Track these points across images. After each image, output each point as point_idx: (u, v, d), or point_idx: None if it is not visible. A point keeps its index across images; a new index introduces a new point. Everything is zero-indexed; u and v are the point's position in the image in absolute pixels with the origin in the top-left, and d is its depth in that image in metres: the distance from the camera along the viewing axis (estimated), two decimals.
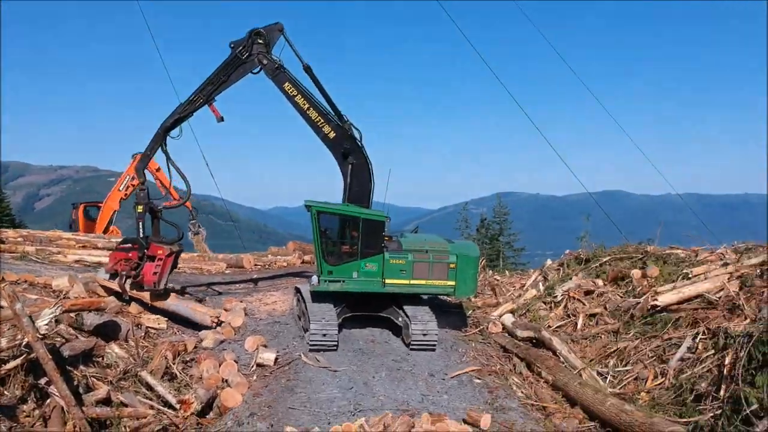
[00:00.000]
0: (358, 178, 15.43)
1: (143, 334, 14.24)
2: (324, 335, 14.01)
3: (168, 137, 15.75)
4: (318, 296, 14.88)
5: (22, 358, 10.06)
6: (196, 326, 15.07)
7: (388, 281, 14.61)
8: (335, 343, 14.11)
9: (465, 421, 10.87)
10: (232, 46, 15.54)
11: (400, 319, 15.07)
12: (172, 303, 15.20)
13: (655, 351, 13.39)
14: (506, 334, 16.15)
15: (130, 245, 15.52)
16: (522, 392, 13.06)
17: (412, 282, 14.76)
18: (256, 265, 24.87)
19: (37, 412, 10.08)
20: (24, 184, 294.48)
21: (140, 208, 15.45)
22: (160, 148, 15.73)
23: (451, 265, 14.81)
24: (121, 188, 32.62)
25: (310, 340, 14.07)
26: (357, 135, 15.51)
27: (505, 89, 19.92)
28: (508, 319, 16.64)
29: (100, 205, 33.00)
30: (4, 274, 15.98)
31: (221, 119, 16.00)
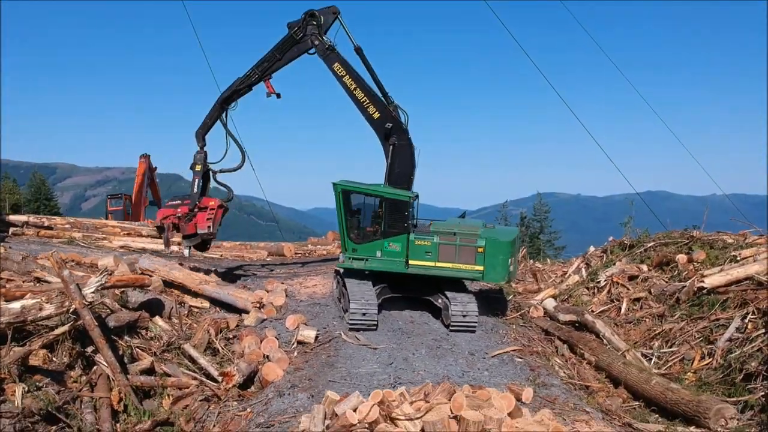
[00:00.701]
0: (400, 158, 15.42)
1: (186, 312, 14.47)
2: (363, 314, 14.01)
3: (227, 109, 16.89)
4: (358, 277, 14.90)
5: (69, 324, 10.28)
6: (237, 310, 15.22)
7: (412, 262, 14.49)
8: (375, 322, 14.10)
9: None
10: (288, 25, 16.08)
11: (440, 300, 14.96)
12: (213, 290, 15.35)
13: (702, 332, 13.07)
14: (548, 318, 15.95)
15: (179, 201, 17.15)
16: (564, 372, 12.87)
17: (438, 264, 14.43)
18: (296, 253, 25.06)
19: (83, 378, 10.27)
20: (71, 185, 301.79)
21: (198, 167, 16.95)
22: (219, 120, 16.92)
23: (479, 249, 14.28)
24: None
25: (350, 320, 14.08)
26: (403, 117, 15.62)
27: (554, 90, 19.52)
28: (550, 303, 16.43)
29: (119, 196, 38.76)
30: (53, 252, 16.35)
31: (278, 95, 16.81)
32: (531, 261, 24.14)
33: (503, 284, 17.09)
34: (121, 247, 22.16)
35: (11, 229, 22.64)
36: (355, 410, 8.64)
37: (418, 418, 8.39)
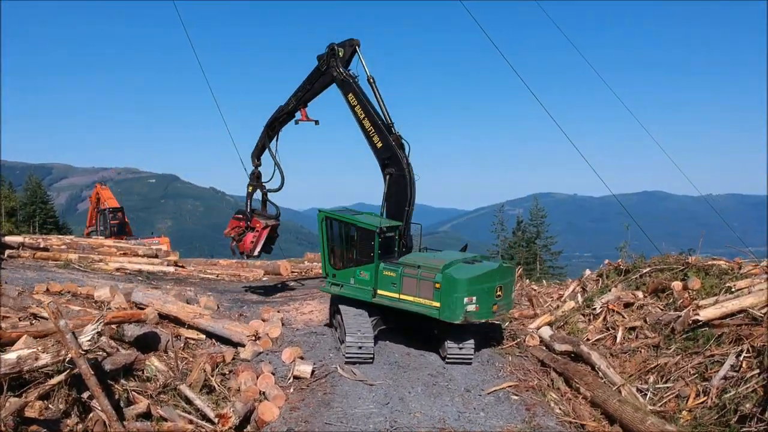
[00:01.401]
0: (396, 188, 15.71)
1: (182, 345, 14.47)
2: (360, 348, 14.10)
3: (273, 135, 18.95)
4: (354, 305, 14.98)
5: (65, 373, 10.28)
6: (233, 342, 15.20)
7: (380, 292, 14.66)
8: (371, 355, 14.17)
9: None
10: (317, 57, 17.54)
11: (436, 331, 15.01)
12: (208, 323, 15.35)
13: (697, 368, 13.10)
14: (544, 348, 15.97)
15: (241, 216, 19.40)
16: (560, 409, 12.91)
17: (401, 296, 14.30)
18: (293, 272, 25.11)
19: (80, 426, 10.26)
20: (67, 186, 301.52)
21: (251, 188, 19.44)
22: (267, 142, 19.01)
23: (437, 285, 13.81)
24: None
25: (346, 353, 14.16)
26: (405, 147, 16.08)
27: (536, 99, 19.47)
28: (546, 331, 16.46)
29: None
30: (48, 284, 16.36)
31: (315, 122, 18.79)
32: (527, 281, 24.14)
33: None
34: (117, 269, 22.15)
35: (7, 252, 22.55)
36: None
37: None
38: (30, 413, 9.71)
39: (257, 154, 19.29)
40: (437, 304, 13.79)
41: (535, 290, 21.22)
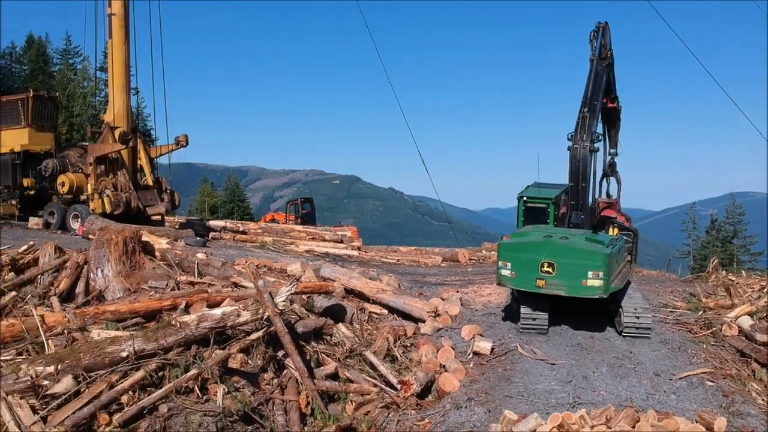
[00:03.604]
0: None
1: (366, 318, 15.07)
2: (534, 320, 14.14)
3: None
4: None
5: (263, 330, 11.14)
6: (413, 318, 15.58)
7: None
8: (545, 327, 14.21)
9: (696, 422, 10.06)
10: None
11: (612, 306, 14.62)
12: (390, 299, 15.82)
13: None
14: (743, 338, 14.68)
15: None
16: (763, 399, 11.79)
17: None
18: (470, 259, 25.15)
19: (275, 381, 11.06)
20: (261, 187, 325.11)
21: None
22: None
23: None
24: None
25: (522, 324, 14.30)
26: None
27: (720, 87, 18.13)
28: (746, 321, 15.08)
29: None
30: (247, 259, 17.75)
31: None
32: (723, 272, 22.34)
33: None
34: (307, 251, 23.51)
35: (211, 234, 24.88)
36: None
37: None
38: (232, 364, 10.62)
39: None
40: None
41: (732, 281, 19.56)
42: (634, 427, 8.41)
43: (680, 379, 12.12)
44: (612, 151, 20.58)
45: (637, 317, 13.91)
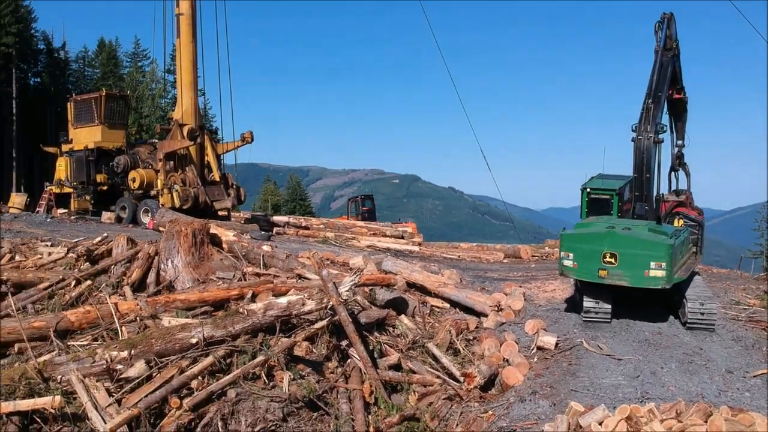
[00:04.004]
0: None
1: (428, 311, 15.07)
2: (596, 313, 13.98)
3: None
4: None
5: (327, 320, 11.28)
6: (475, 312, 15.50)
7: None
8: (608, 318, 14.06)
9: None
10: None
11: (675, 297, 14.33)
12: (452, 292, 15.76)
13: None
14: None
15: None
16: None
17: None
18: (533, 256, 24.89)
19: (339, 370, 11.20)
20: (322, 187, 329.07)
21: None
22: None
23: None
24: None
25: (584, 314, 14.18)
26: None
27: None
28: None
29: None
30: (310, 252, 18.01)
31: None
32: None
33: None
34: (368, 246, 23.68)
35: (275, 229, 25.35)
36: (600, 423, 8.41)
37: None
38: (298, 352, 10.80)
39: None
40: None
41: None
42: (706, 421, 8.15)
43: (755, 377, 11.72)
44: (679, 142, 19.83)
45: (702, 304, 13.56)
